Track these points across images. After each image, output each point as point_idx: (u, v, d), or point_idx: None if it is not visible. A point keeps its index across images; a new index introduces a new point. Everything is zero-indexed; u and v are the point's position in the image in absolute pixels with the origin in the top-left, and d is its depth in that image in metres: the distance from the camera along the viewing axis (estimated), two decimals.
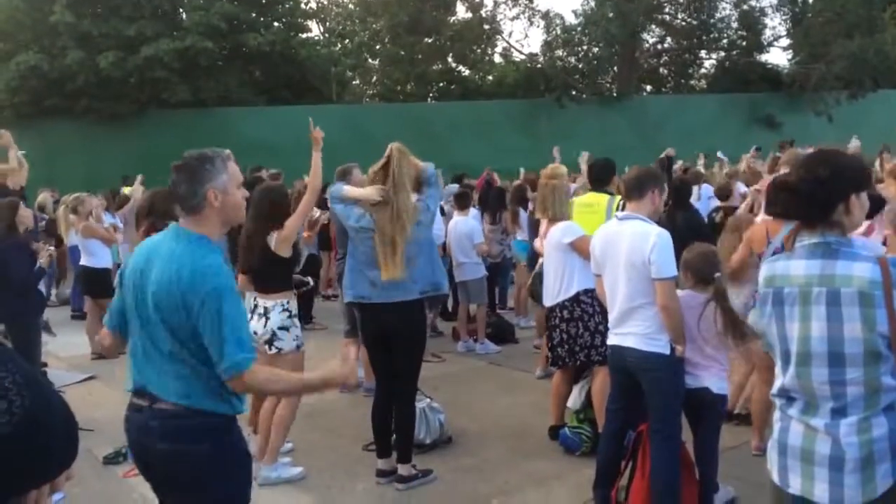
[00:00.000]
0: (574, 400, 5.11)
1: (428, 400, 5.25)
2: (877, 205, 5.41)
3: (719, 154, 12.80)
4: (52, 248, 6.58)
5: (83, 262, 8.52)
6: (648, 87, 32.56)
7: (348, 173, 5.46)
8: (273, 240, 4.64)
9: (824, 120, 23.74)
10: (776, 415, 2.33)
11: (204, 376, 2.53)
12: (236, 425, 2.67)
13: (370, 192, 4.37)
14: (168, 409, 2.54)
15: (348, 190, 4.57)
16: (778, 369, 2.32)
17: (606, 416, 4.24)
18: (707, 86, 31.47)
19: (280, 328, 4.60)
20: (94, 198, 9.68)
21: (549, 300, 5.11)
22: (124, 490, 4.72)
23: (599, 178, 5.66)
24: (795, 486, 2.22)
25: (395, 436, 4.67)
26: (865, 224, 4.50)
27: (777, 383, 2.31)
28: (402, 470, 4.57)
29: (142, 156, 19.07)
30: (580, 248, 4.84)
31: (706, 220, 7.33)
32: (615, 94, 27.14)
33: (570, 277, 4.94)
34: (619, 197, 5.27)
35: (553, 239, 5.04)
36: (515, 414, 5.89)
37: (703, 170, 11.49)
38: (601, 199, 5.46)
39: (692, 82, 32.62)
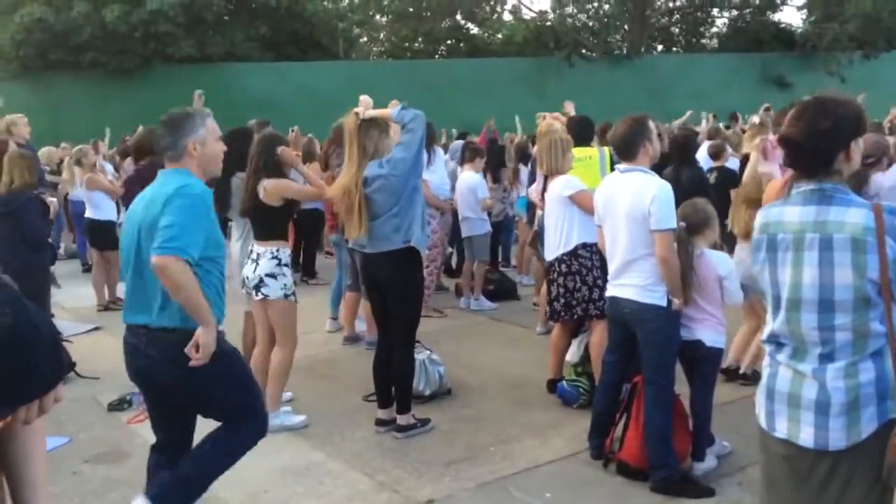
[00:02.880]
0: (572, 353, 5.15)
1: (428, 352, 5.30)
2: None
3: (738, 114, 12.74)
4: (55, 199, 6.61)
5: (88, 214, 8.56)
6: (659, 47, 32.15)
7: (343, 129, 5.42)
8: (261, 188, 4.63)
9: (836, 80, 23.44)
10: (765, 360, 2.35)
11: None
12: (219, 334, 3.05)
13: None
14: (159, 333, 3.02)
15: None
16: (769, 315, 2.33)
17: (603, 368, 4.28)
18: (718, 45, 31.04)
19: (267, 275, 4.60)
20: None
21: (548, 254, 5.13)
22: (128, 436, 4.81)
23: (580, 137, 5.62)
24: (782, 430, 2.24)
25: (393, 386, 4.73)
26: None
27: (767, 329, 2.32)
28: (401, 419, 4.63)
29: (147, 111, 18.90)
30: (580, 201, 4.84)
31: None
32: (625, 53, 26.80)
33: (570, 231, 4.93)
34: (608, 148, 5.27)
35: (553, 193, 5.03)
36: (515, 367, 5.94)
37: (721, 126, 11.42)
38: (592, 151, 5.47)
39: (703, 41, 32.17)
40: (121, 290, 8.51)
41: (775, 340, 2.29)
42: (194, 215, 2.94)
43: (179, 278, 2.88)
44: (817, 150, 2.20)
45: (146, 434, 4.75)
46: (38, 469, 1.62)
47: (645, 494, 3.81)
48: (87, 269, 10.28)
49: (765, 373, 2.34)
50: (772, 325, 2.30)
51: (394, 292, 4.57)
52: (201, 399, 3.15)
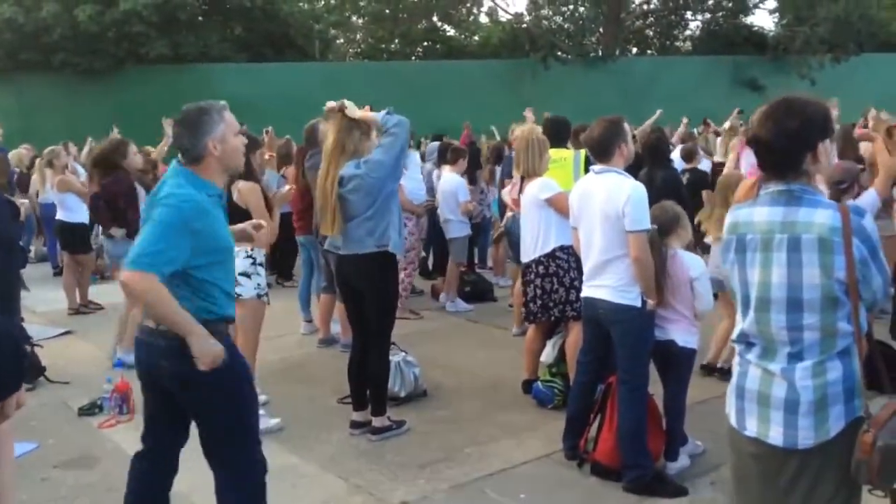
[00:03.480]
0: (547, 354, 5.16)
1: (403, 354, 5.28)
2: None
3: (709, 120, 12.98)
4: (26, 201, 6.53)
5: (59, 216, 8.42)
6: (634, 49, 32.38)
7: (315, 130, 5.43)
8: (235, 190, 4.60)
9: (807, 83, 23.76)
10: (735, 359, 2.37)
11: (186, 290, 2.80)
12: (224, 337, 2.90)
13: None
14: (160, 331, 2.81)
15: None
16: (738, 315, 2.35)
17: (577, 368, 4.29)
18: (692, 48, 31.34)
19: (241, 274, 4.54)
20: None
21: (525, 256, 5.13)
22: (99, 440, 4.74)
23: (557, 138, 5.61)
24: (752, 429, 2.26)
25: (368, 388, 4.71)
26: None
27: (737, 329, 2.35)
28: (376, 422, 4.62)
29: (120, 112, 18.80)
30: (557, 204, 4.86)
31: None
32: (600, 55, 26.97)
33: (547, 234, 4.94)
34: (583, 151, 5.29)
35: (530, 195, 5.03)
36: (490, 369, 5.95)
37: (695, 132, 11.58)
38: (566, 153, 5.49)
39: (677, 44, 32.47)
40: (92, 293, 8.45)
41: (745, 340, 2.31)
42: (172, 226, 2.73)
43: (146, 296, 2.72)
44: (785, 151, 2.22)
45: (117, 439, 4.72)
46: (4, 474, 1.59)
47: (619, 495, 3.83)
48: (58, 272, 10.12)
49: (735, 372, 2.36)
50: (741, 324, 2.32)
51: (368, 294, 4.55)
52: (202, 408, 2.94)
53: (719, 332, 5.44)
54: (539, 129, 7.23)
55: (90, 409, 5.14)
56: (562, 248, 4.92)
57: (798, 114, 2.22)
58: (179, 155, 2.93)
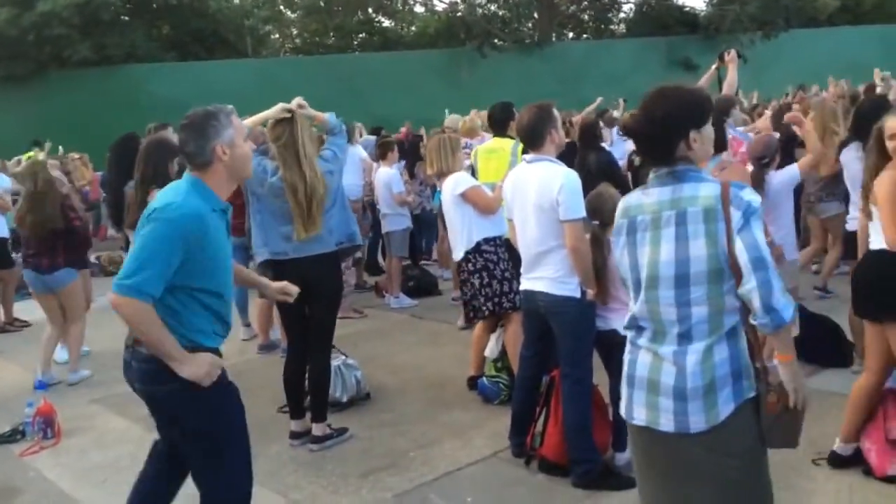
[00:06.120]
0: (491, 349, 5.04)
1: (343, 357, 5.10)
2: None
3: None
4: None
5: None
6: (570, 34, 32.53)
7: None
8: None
9: (738, 61, 24.15)
10: (626, 348, 2.35)
11: (172, 311, 2.63)
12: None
13: (273, 110, 4.26)
14: (142, 351, 2.66)
15: (249, 121, 4.26)
16: (631, 302, 2.33)
17: (520, 364, 4.18)
18: (626, 30, 31.60)
19: None
20: None
21: (455, 254, 5.04)
22: (20, 468, 4.46)
23: (498, 123, 5.55)
24: (640, 418, 2.25)
25: (308, 396, 4.53)
26: None
27: (628, 315, 2.33)
28: (316, 430, 4.44)
29: (44, 119, 18.13)
30: (471, 197, 4.82)
31: (626, 161, 7.30)
32: (536, 41, 26.98)
33: (469, 228, 4.86)
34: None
35: (446, 192, 4.99)
36: (436, 366, 5.81)
37: (617, 114, 11.57)
38: (505, 143, 5.41)
39: (612, 27, 32.71)
40: (18, 310, 8.03)
41: (635, 324, 2.30)
42: (162, 245, 2.55)
43: (133, 319, 2.57)
44: (653, 138, 2.22)
45: (40, 467, 4.45)
46: None
47: (568, 490, 3.73)
48: None
49: (625, 360, 2.34)
50: (632, 310, 2.30)
51: (322, 295, 4.36)
52: (177, 426, 2.79)
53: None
54: (484, 115, 7.17)
55: (11, 436, 4.84)
56: (486, 241, 4.86)
57: (666, 102, 2.21)
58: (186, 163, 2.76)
